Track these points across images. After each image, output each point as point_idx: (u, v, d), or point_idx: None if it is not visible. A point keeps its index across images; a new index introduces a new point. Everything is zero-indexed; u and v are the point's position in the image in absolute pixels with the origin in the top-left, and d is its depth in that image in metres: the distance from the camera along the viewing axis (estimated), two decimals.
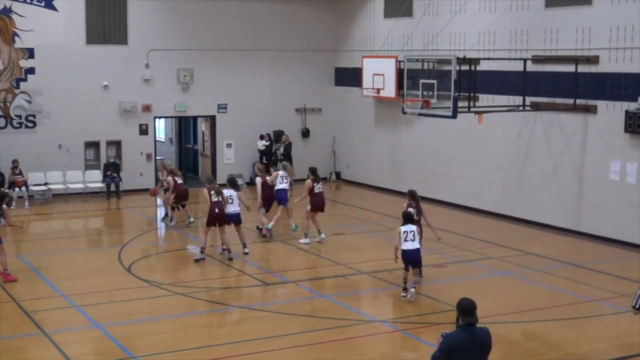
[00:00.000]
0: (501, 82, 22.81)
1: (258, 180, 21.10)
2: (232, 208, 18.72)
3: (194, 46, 28.32)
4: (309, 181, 20.09)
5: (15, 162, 25.40)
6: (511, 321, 14.35)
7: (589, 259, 18.87)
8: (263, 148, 29.25)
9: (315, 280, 17.01)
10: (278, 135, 29.51)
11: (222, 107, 29.26)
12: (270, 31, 29.46)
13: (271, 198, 20.93)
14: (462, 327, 8.14)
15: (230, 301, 15.41)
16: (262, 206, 20.90)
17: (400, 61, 24.96)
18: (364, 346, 13.39)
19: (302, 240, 20.04)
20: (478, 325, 8.26)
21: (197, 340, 13.32)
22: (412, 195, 17.11)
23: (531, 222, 22.42)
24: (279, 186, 20.76)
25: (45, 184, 26.53)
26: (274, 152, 29.28)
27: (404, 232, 15.26)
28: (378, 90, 26.66)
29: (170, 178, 22.30)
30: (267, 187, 20.81)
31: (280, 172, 21.13)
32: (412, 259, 15.29)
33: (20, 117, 26.34)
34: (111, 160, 27.29)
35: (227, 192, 18.90)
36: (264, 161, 29.11)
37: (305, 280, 16.96)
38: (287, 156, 28.75)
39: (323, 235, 20.11)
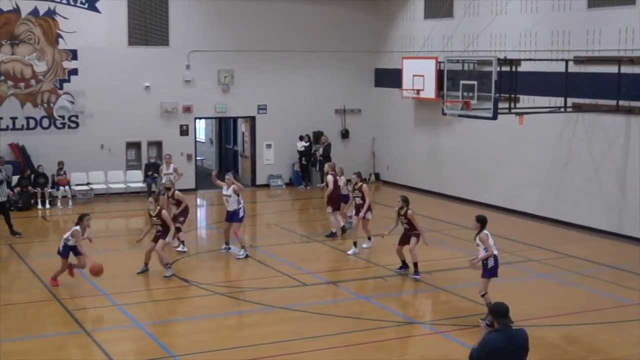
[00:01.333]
0: (542, 83, 22.64)
1: (330, 178, 20.68)
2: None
3: (234, 47, 28.46)
4: (365, 186, 19.58)
5: (60, 163, 25.72)
6: (551, 324, 14.24)
7: (632, 262, 18.66)
8: (302, 149, 29.31)
9: (354, 281, 17.02)
10: (317, 136, 29.56)
11: (262, 108, 29.38)
12: (310, 32, 29.51)
13: (339, 198, 20.70)
14: (499, 330, 8.13)
15: (269, 301, 15.46)
16: (329, 205, 20.71)
17: (440, 62, 24.87)
18: (402, 348, 13.39)
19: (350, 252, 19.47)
20: (516, 327, 8.26)
21: (236, 340, 13.39)
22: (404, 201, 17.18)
23: (572, 225, 22.22)
24: (345, 192, 20.66)
25: (88, 183, 26.84)
26: (314, 153, 29.33)
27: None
28: (418, 91, 26.60)
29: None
30: (337, 187, 20.61)
31: (344, 179, 20.85)
32: None
33: (63, 117, 26.68)
34: (152, 160, 27.52)
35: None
36: (304, 162, 29.22)
37: (344, 282, 16.98)
38: (327, 157, 28.77)
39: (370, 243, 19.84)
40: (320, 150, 29.04)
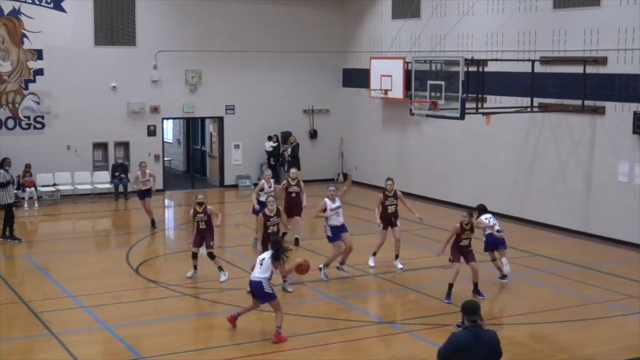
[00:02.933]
0: (509, 84, 22.81)
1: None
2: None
3: (202, 47, 28.37)
4: (381, 195, 18.39)
5: (28, 165, 25.48)
6: (519, 322, 14.35)
7: (597, 261, 18.86)
8: (271, 149, 29.29)
9: (323, 281, 17.00)
10: (286, 136, 29.56)
11: (229, 109, 29.31)
12: (278, 32, 29.50)
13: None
14: (467, 328, 8.17)
15: (238, 302, 15.41)
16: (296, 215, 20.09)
17: (408, 62, 24.98)
18: (371, 348, 13.41)
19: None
20: (486, 327, 8.29)
21: (204, 342, 13.36)
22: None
23: (539, 224, 22.41)
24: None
25: (54, 184, 26.62)
26: (282, 153, 29.33)
27: None
28: (386, 91, 26.69)
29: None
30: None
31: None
32: None
33: (28, 118, 26.43)
34: (119, 161, 27.36)
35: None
36: (272, 162, 29.19)
37: (313, 282, 16.96)
38: (295, 157, 28.81)
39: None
40: (289, 151, 29.03)
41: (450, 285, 15.45)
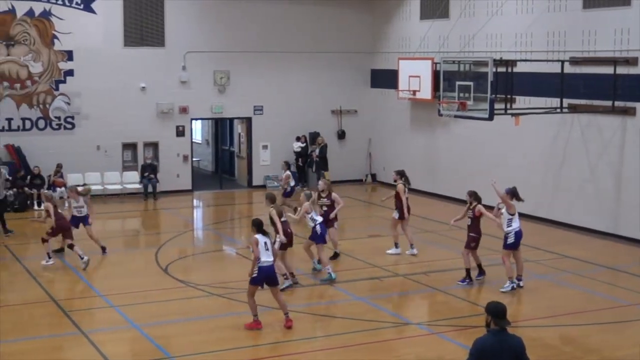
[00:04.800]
0: (538, 84, 22.64)
1: (336, 195, 18.45)
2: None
3: (230, 48, 28.44)
4: (401, 185, 19.01)
5: (59, 165, 25.71)
6: (547, 325, 14.24)
7: (627, 263, 18.69)
8: (299, 150, 29.31)
9: (351, 282, 16.98)
10: (314, 137, 29.57)
11: (258, 109, 29.37)
12: (307, 33, 29.51)
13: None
14: (492, 331, 8.04)
15: (264, 302, 15.41)
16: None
17: (436, 63, 24.90)
18: (399, 349, 13.37)
19: (411, 252, 19.19)
20: (512, 332, 8.18)
21: (232, 341, 13.36)
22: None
23: (568, 225, 22.23)
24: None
25: (84, 184, 26.78)
26: (310, 154, 29.34)
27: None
28: (414, 92, 26.61)
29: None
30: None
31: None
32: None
33: (59, 118, 26.66)
34: (148, 161, 27.50)
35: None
36: (300, 163, 29.20)
37: (342, 282, 16.95)
38: (323, 158, 28.84)
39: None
40: (317, 151, 29.04)
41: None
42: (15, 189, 24.82)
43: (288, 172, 23.75)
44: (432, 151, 27.57)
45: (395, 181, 19.32)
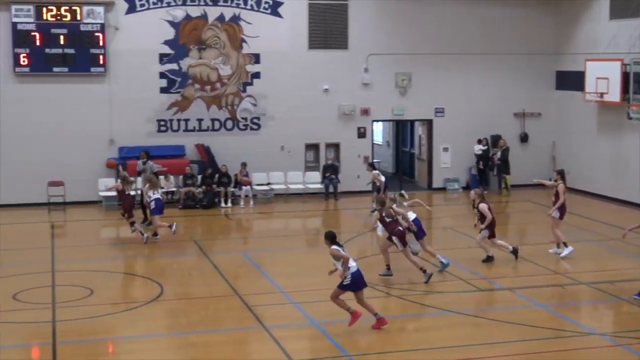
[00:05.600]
0: None
1: (484, 206, 18.41)
2: None
3: (412, 50, 28.42)
4: (562, 185, 19.03)
5: (243, 165, 26.58)
6: None
7: None
8: (480, 152, 28.92)
9: (532, 288, 16.60)
10: (496, 139, 29.10)
11: (439, 111, 29.22)
12: (489, 34, 29.05)
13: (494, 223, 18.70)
14: None
15: (443, 305, 15.36)
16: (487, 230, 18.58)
17: (626, 64, 23.92)
18: (581, 359, 12.95)
19: (556, 251, 19.18)
20: None
21: (408, 343, 13.38)
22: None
23: None
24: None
25: (268, 184, 27.55)
26: (491, 157, 28.90)
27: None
28: (601, 94, 25.68)
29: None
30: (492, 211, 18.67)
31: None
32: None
33: (246, 119, 27.53)
34: (330, 162, 27.93)
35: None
36: (481, 166, 28.82)
37: (521, 288, 16.61)
38: (505, 161, 28.35)
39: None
40: (499, 154, 28.57)
41: None
42: (203, 187, 25.85)
43: (375, 172, 23.84)
44: (620, 156, 26.45)
45: (556, 181, 19.14)
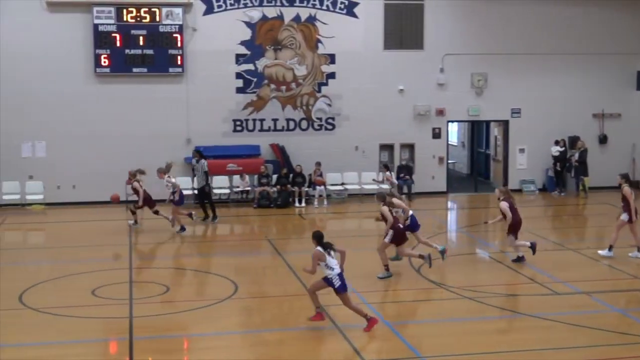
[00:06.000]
0: None
1: (504, 205, 18.33)
2: None
3: (488, 50, 28.21)
4: (627, 188, 18.85)
5: (318, 164, 26.72)
6: None
7: None
8: (557, 154, 28.51)
9: (609, 292, 16.29)
10: (573, 141, 28.66)
11: (515, 112, 28.91)
12: (566, 34, 28.67)
13: (519, 223, 18.53)
14: None
15: (517, 308, 15.19)
16: (510, 233, 18.44)
17: None
18: None
19: (636, 255, 18.90)
20: None
21: (481, 346, 13.25)
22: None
23: None
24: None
25: (342, 184, 27.62)
26: (569, 158, 28.47)
27: None
28: None
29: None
30: (515, 211, 18.43)
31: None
32: None
33: (320, 119, 27.67)
34: (404, 162, 27.87)
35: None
36: (558, 167, 28.40)
37: (598, 292, 16.30)
38: (582, 163, 27.89)
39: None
40: (576, 156, 28.13)
41: None
42: (278, 186, 26.05)
43: (388, 173, 25.36)
44: None
45: (619, 185, 18.92)
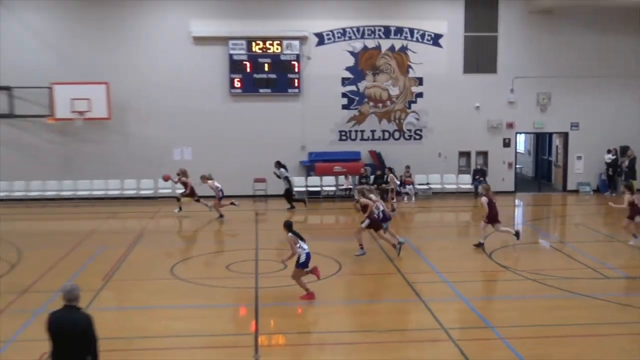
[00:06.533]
0: None
1: (484, 199, 18.14)
2: None
3: (551, 74, 27.56)
4: (627, 195, 18.51)
5: (407, 167, 26.66)
6: None
7: None
8: (609, 161, 27.66)
9: None
10: (624, 149, 27.73)
11: (574, 125, 28.18)
12: (619, 59, 27.79)
13: (496, 215, 18.24)
14: None
15: (573, 289, 14.84)
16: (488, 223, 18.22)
17: None
18: None
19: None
20: None
21: (542, 319, 13.03)
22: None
23: None
24: None
25: (427, 184, 27.48)
26: (619, 165, 27.57)
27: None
28: None
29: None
30: (493, 205, 18.22)
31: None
32: None
33: (410, 131, 27.58)
34: (479, 166, 27.52)
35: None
36: (610, 172, 27.55)
37: None
38: (631, 169, 26.99)
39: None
40: (626, 163, 27.22)
41: None
42: (375, 185, 26.06)
43: (392, 175, 24.40)
44: None
45: (623, 193, 18.65)
